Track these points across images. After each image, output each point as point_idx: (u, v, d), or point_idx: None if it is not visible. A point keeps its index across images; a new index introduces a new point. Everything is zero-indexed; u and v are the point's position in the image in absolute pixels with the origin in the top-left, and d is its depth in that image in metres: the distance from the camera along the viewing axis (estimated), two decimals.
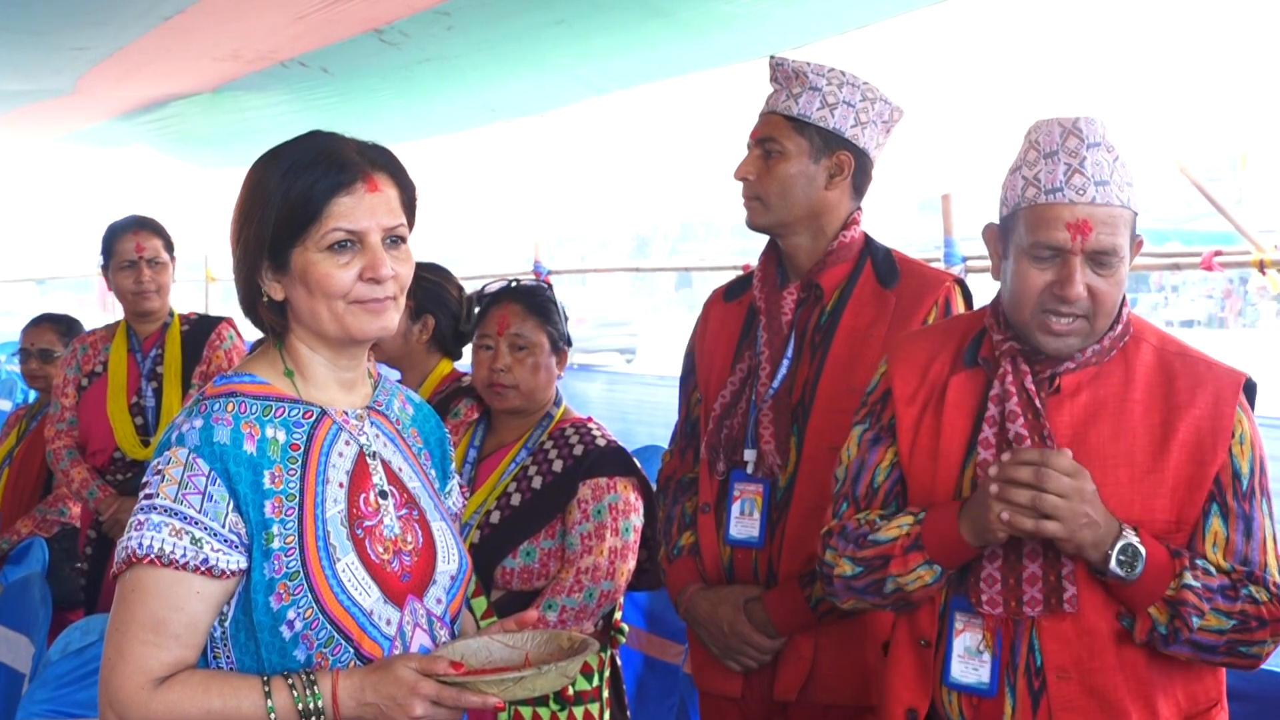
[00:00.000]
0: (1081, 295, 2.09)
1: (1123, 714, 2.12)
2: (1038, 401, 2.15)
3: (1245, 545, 2.11)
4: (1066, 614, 2.12)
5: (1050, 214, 2.10)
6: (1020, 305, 2.15)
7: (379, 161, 1.89)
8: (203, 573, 1.77)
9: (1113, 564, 2.04)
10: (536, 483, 3.06)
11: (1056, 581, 2.12)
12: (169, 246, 4.31)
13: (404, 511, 1.94)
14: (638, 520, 3.06)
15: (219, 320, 4.49)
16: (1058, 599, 2.12)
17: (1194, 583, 2.05)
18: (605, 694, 3.05)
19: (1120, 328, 2.19)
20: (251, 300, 1.91)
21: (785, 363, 2.77)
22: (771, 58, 2.82)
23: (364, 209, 1.85)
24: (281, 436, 1.86)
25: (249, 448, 1.82)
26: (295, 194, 1.83)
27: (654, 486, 3.16)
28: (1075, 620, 2.13)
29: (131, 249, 4.24)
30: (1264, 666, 2.97)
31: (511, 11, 3.96)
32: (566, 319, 3.21)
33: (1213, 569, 2.09)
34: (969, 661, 2.19)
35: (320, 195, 1.83)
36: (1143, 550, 2.05)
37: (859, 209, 2.83)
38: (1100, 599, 2.12)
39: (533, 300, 3.15)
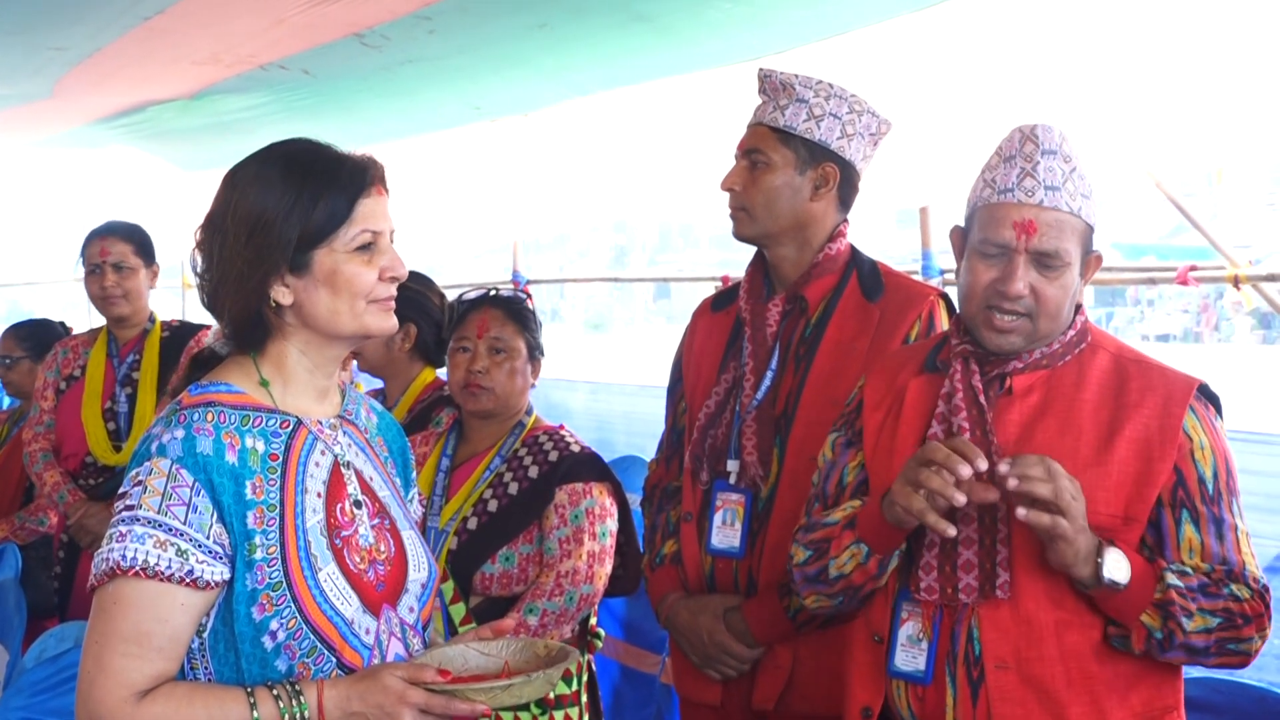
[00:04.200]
0: (1022, 293, 2.16)
1: (1061, 707, 2.14)
2: (983, 398, 2.21)
3: (1220, 547, 2.14)
4: (1004, 603, 2.15)
5: (1000, 213, 2.18)
6: (968, 300, 2.23)
7: (375, 167, 1.94)
8: (187, 584, 1.76)
9: (1105, 572, 2.06)
10: (513, 489, 3.07)
11: (991, 568, 2.16)
12: (140, 251, 4.24)
13: (376, 521, 1.95)
14: (613, 524, 3.09)
15: (199, 328, 4.45)
16: (991, 586, 2.15)
17: (1178, 583, 2.08)
18: (584, 699, 3.07)
19: (1073, 333, 2.25)
20: (256, 306, 1.88)
21: (769, 374, 2.78)
22: (760, 70, 2.83)
23: (380, 211, 1.91)
24: (261, 446, 1.85)
25: (231, 458, 1.81)
26: (327, 197, 1.85)
27: (627, 493, 3.18)
28: (1014, 610, 2.15)
29: (96, 253, 4.21)
30: (1227, 677, 3.00)
31: (493, 15, 3.95)
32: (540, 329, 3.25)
33: (1189, 570, 2.12)
34: (909, 650, 2.24)
35: (349, 198, 1.87)
36: (1127, 559, 2.08)
37: (845, 221, 2.84)
38: (1040, 589, 2.14)
39: (512, 307, 3.20)
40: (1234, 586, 2.12)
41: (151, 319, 4.33)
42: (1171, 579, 2.08)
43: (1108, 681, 2.15)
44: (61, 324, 5.17)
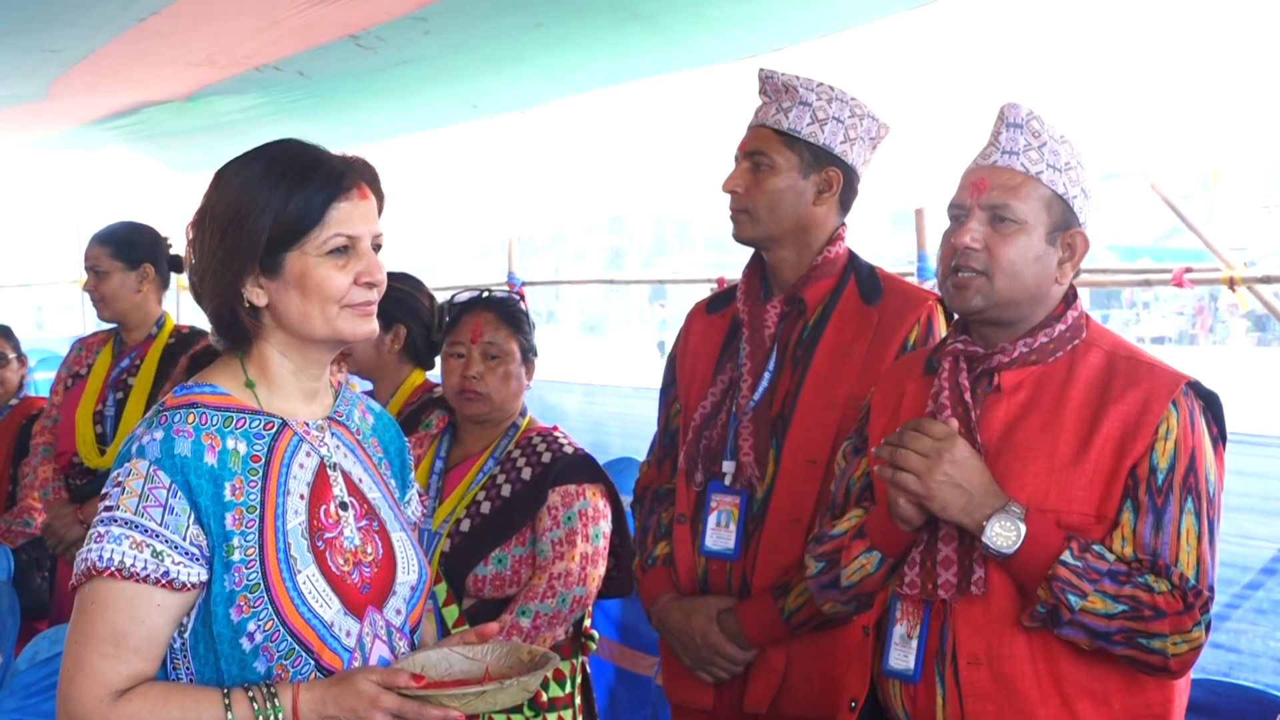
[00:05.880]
0: (970, 245, 2.20)
1: (1031, 706, 2.13)
2: (967, 396, 2.22)
3: (1154, 538, 2.10)
4: (978, 599, 2.16)
5: (961, 181, 2.26)
6: (939, 266, 2.28)
7: (363, 171, 1.92)
8: (163, 585, 1.77)
9: (986, 534, 2.09)
10: (506, 490, 3.06)
11: (969, 565, 2.16)
12: (118, 253, 4.15)
13: (364, 523, 1.94)
14: (606, 526, 3.08)
15: (204, 335, 4.40)
16: (968, 582, 2.16)
17: (1073, 561, 2.07)
18: (577, 701, 3.07)
19: (1063, 328, 2.24)
20: (229, 305, 1.89)
21: (766, 375, 2.77)
22: (761, 70, 2.82)
23: (359, 215, 1.88)
24: (242, 448, 1.85)
25: (210, 459, 1.81)
26: (298, 199, 1.84)
27: (622, 495, 3.17)
28: (986, 606, 2.16)
29: (84, 258, 4.25)
30: (1223, 679, 2.99)
31: (489, 14, 3.95)
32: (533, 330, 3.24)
33: (1109, 555, 2.09)
34: (901, 649, 2.25)
35: (323, 200, 1.85)
36: (1022, 527, 2.08)
37: (844, 224, 2.84)
38: (1014, 586, 2.14)
39: (505, 310, 3.18)
40: (1150, 578, 2.08)
41: (160, 323, 4.24)
42: (1066, 557, 2.07)
43: (1081, 684, 2.14)
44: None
